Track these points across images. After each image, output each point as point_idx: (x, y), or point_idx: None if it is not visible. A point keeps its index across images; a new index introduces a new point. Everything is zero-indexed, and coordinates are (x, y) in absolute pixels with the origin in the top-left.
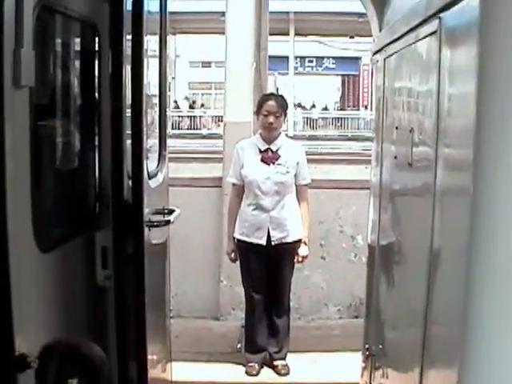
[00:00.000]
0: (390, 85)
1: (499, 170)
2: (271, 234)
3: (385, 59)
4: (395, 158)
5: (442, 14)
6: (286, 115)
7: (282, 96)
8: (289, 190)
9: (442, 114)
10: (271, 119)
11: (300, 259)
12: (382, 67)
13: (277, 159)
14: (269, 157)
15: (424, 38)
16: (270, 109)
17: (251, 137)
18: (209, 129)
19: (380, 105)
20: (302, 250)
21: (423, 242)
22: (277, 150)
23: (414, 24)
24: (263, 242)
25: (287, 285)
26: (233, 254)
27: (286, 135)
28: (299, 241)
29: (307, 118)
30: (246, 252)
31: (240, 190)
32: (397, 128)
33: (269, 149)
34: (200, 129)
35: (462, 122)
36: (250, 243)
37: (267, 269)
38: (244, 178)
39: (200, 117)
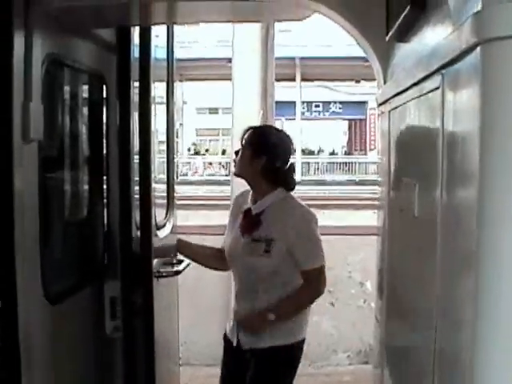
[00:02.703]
0: (395, 137)
1: (504, 220)
2: (239, 335)
3: (389, 111)
4: (401, 210)
5: (444, 71)
6: (260, 155)
7: (256, 128)
8: (269, 281)
9: (444, 169)
10: (233, 165)
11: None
12: (387, 119)
13: (254, 229)
14: (244, 224)
15: (427, 93)
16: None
17: None
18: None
19: (386, 156)
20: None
21: (429, 292)
22: (259, 214)
23: (418, 79)
24: (234, 342)
25: None
26: None
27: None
28: (284, 347)
29: (315, 162)
30: (225, 345)
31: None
32: (402, 180)
33: (249, 210)
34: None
35: (465, 180)
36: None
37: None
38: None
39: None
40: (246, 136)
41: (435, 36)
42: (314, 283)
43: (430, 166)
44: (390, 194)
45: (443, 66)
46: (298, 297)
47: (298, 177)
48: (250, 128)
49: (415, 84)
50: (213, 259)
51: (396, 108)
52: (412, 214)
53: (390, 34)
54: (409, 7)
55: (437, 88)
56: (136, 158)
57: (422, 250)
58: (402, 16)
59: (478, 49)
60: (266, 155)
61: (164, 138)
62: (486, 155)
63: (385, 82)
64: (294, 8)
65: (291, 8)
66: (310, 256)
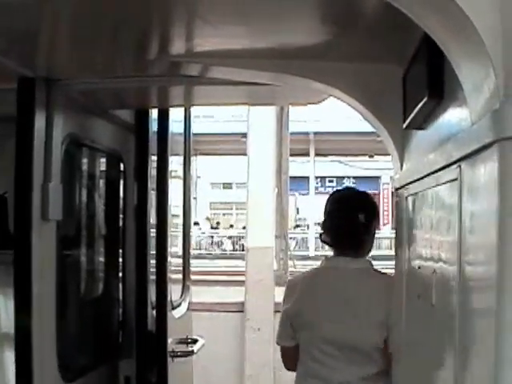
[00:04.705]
0: (412, 223)
1: None
2: None
3: (406, 197)
4: (418, 297)
5: (461, 163)
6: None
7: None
8: None
9: (463, 261)
10: None
11: None
12: (404, 204)
13: None
14: None
15: (445, 183)
16: None
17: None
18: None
19: (402, 242)
20: None
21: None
22: None
23: (435, 168)
24: None
25: None
26: None
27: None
28: None
29: None
30: None
31: None
32: (419, 266)
33: None
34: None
35: (483, 271)
36: None
37: None
38: None
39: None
40: None
41: (452, 126)
42: None
43: (448, 256)
44: (407, 277)
45: (460, 159)
46: None
47: (311, 252)
48: None
49: (432, 173)
50: None
51: (413, 195)
52: (429, 302)
53: (407, 121)
54: (426, 98)
55: (455, 179)
56: (152, 233)
57: (439, 339)
58: (420, 105)
59: (496, 146)
60: None
61: (178, 212)
62: (506, 256)
63: (401, 168)
64: (309, 92)
65: (306, 92)
66: None
